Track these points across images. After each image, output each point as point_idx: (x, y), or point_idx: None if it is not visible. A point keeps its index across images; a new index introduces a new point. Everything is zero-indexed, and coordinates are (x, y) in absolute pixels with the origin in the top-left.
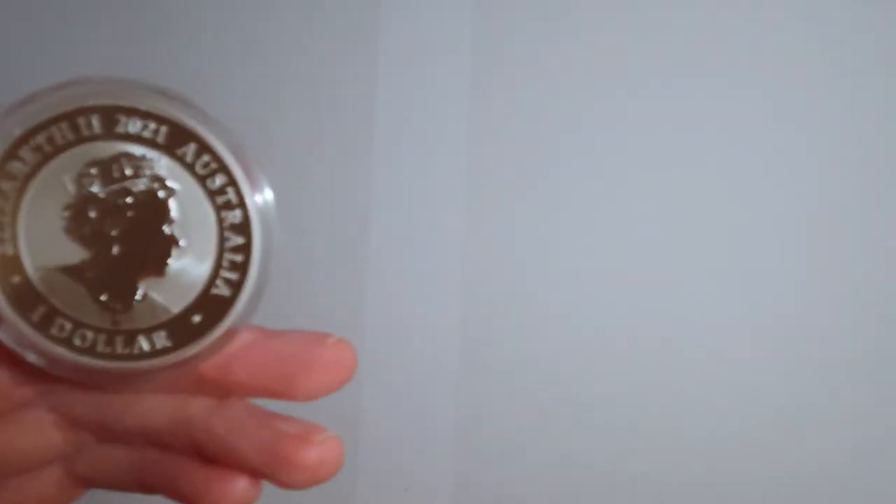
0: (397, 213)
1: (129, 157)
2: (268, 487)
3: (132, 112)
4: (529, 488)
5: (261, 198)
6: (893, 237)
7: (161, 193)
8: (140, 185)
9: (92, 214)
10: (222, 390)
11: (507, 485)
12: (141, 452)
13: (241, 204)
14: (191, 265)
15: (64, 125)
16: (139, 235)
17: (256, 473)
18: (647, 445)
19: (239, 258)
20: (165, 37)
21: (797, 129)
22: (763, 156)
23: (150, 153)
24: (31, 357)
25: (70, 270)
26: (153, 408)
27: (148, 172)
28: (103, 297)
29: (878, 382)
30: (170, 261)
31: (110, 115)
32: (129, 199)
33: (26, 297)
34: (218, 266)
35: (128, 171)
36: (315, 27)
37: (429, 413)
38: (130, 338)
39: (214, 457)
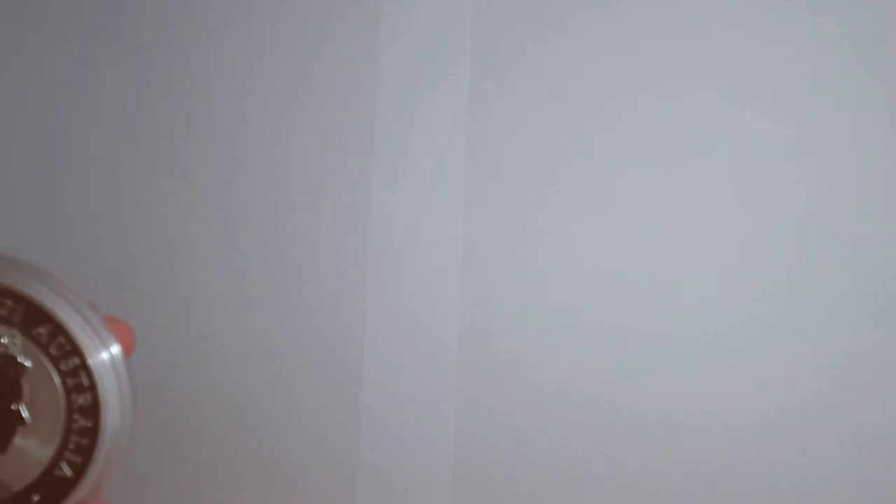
0: (397, 214)
1: None
2: (270, 489)
3: None
4: (529, 488)
5: (112, 372)
6: (893, 238)
7: (12, 371)
8: None
9: None
10: None
11: (506, 485)
12: None
13: (92, 387)
14: (36, 444)
15: None
16: None
17: None
18: (646, 445)
19: (85, 441)
20: (167, 39)
21: (797, 131)
22: (763, 156)
23: (4, 329)
24: None
25: None
26: None
27: (0, 350)
28: None
29: (878, 382)
30: (14, 438)
31: None
32: None
33: None
34: (63, 447)
35: None
36: (315, 29)
37: (429, 413)
38: None
39: None
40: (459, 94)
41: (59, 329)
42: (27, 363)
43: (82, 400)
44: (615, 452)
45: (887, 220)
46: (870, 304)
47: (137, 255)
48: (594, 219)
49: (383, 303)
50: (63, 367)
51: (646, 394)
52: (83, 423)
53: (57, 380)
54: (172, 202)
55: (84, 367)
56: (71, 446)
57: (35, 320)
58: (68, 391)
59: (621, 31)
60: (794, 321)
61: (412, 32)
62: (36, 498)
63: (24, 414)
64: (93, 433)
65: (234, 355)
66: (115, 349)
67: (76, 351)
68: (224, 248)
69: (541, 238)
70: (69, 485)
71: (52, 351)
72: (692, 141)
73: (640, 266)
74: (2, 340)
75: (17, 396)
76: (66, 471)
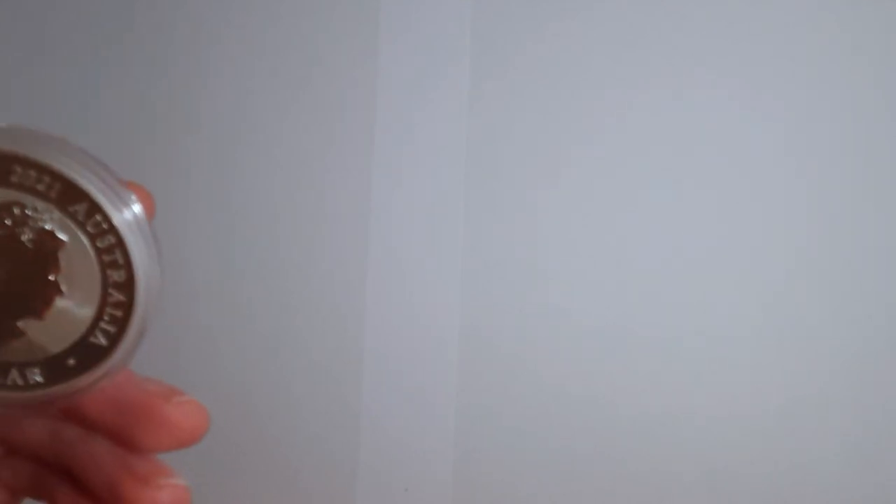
0: (397, 214)
1: (22, 206)
2: (270, 489)
3: (28, 165)
4: (529, 488)
5: (145, 248)
6: (893, 238)
7: (50, 244)
8: (30, 233)
9: None
10: (82, 423)
11: (506, 485)
12: (39, 467)
13: (128, 264)
14: (72, 312)
15: None
16: (24, 279)
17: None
18: (646, 445)
19: (119, 313)
20: (167, 39)
21: (798, 132)
22: (765, 157)
23: (43, 205)
24: None
25: None
26: (35, 429)
27: (38, 224)
28: None
29: (878, 382)
30: (52, 306)
31: (7, 165)
32: (17, 245)
33: None
34: (98, 317)
35: (19, 219)
36: (315, 29)
37: (429, 413)
38: (4, 370)
39: (81, 480)
40: (459, 94)
41: (95, 208)
42: (64, 238)
43: (117, 276)
44: (615, 452)
45: (888, 221)
46: (870, 304)
47: None
48: (594, 219)
49: (383, 303)
50: (99, 244)
51: (645, 394)
52: (118, 297)
53: (93, 255)
54: (172, 202)
55: (120, 245)
56: (106, 317)
57: (72, 198)
58: (104, 266)
59: (621, 32)
60: (794, 322)
61: (412, 32)
62: (72, 361)
63: (62, 286)
64: (127, 306)
65: (234, 355)
66: (144, 220)
67: (112, 230)
68: (224, 248)
69: (541, 238)
70: (103, 352)
71: (90, 229)
72: (693, 141)
73: (640, 266)
74: (42, 216)
75: (56, 268)
76: (102, 339)
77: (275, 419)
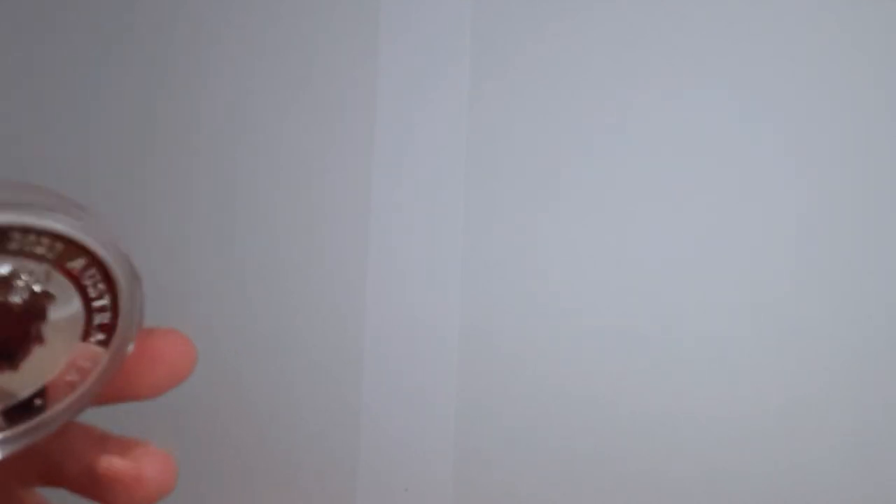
0: (397, 214)
1: (17, 275)
2: (270, 489)
3: (27, 231)
4: (529, 488)
5: (130, 299)
6: (893, 239)
7: (40, 302)
8: (21, 294)
9: None
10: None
11: (506, 485)
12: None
13: (114, 313)
14: (48, 359)
15: None
16: (7, 336)
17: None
18: (646, 445)
19: (99, 349)
20: (167, 38)
21: (799, 132)
22: (765, 156)
23: (38, 267)
24: None
25: None
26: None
27: (31, 286)
28: None
29: (878, 382)
30: (29, 357)
31: (4, 233)
32: (5, 307)
33: None
34: (74, 362)
35: (12, 287)
36: (315, 29)
37: (429, 413)
38: None
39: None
40: (459, 94)
41: (94, 261)
42: (53, 292)
43: (100, 318)
44: (615, 452)
45: (888, 221)
46: (870, 304)
47: (137, 254)
48: (594, 219)
49: (383, 303)
50: (91, 293)
51: (645, 393)
52: (98, 336)
53: (80, 303)
54: (173, 202)
55: (110, 291)
56: (72, 373)
57: (71, 255)
58: (90, 312)
59: (621, 32)
60: (794, 322)
61: (412, 32)
62: (38, 402)
63: (45, 336)
64: (102, 355)
65: (235, 355)
66: (138, 282)
67: (106, 278)
68: (224, 248)
69: (541, 238)
70: (70, 386)
71: (85, 282)
72: (692, 141)
73: (639, 266)
74: (37, 277)
75: (41, 320)
76: (74, 375)
77: (275, 419)
